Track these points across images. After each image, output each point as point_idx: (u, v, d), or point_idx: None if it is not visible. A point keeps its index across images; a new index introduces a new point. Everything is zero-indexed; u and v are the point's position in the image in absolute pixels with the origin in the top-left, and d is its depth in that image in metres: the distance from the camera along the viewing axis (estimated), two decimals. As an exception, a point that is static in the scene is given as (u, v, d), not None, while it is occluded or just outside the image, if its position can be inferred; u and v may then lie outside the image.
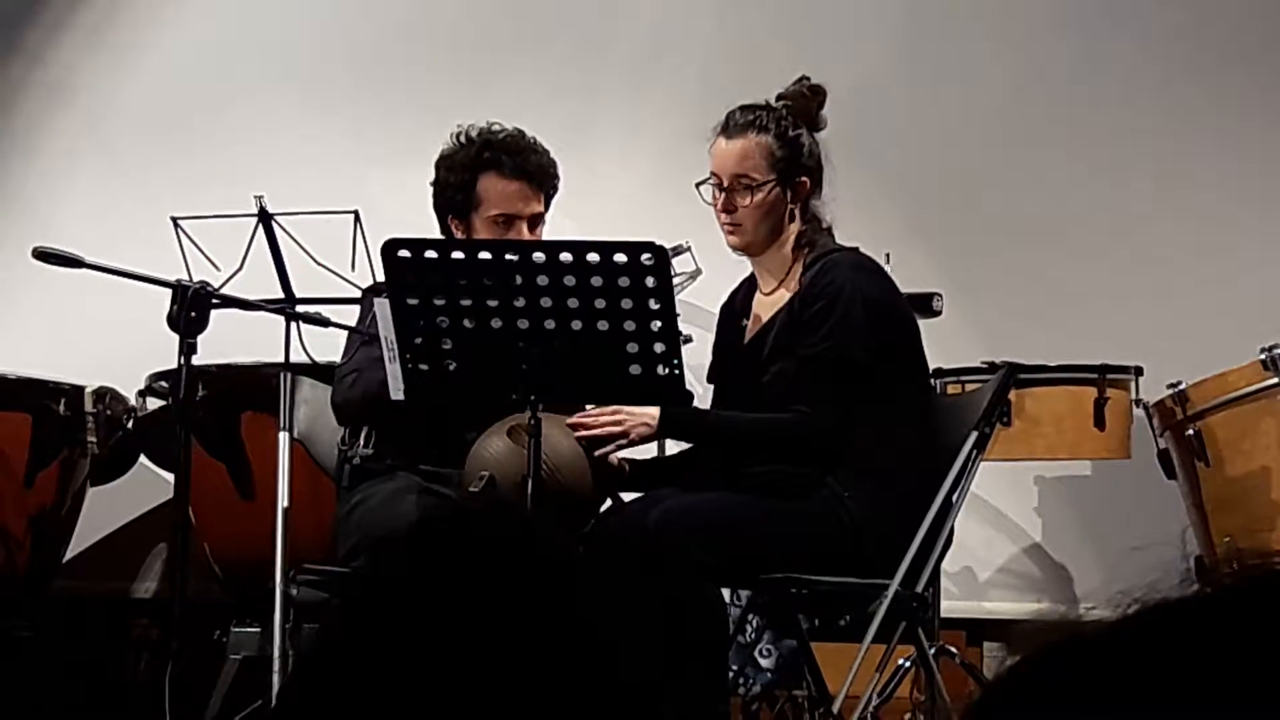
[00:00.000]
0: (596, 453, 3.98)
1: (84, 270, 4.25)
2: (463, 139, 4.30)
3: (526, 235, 4.24)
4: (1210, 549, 4.62)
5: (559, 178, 4.32)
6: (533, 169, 4.27)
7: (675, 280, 4.00)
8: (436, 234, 4.31)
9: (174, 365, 4.22)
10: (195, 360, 4.19)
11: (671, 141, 5.52)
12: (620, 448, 4.04)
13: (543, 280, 3.63)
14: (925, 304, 4.82)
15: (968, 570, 5.54)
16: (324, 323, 4.29)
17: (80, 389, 5.18)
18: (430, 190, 4.33)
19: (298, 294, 4.64)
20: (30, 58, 6.15)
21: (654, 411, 4.00)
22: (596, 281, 3.62)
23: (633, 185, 5.71)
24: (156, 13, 6.12)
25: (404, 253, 3.67)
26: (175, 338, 4.16)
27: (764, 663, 4.85)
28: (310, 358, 4.26)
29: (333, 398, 4.26)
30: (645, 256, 3.61)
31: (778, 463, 4.01)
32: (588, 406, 4.13)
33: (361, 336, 4.18)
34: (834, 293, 4.00)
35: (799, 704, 4.79)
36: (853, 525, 3.95)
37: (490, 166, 4.25)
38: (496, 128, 4.31)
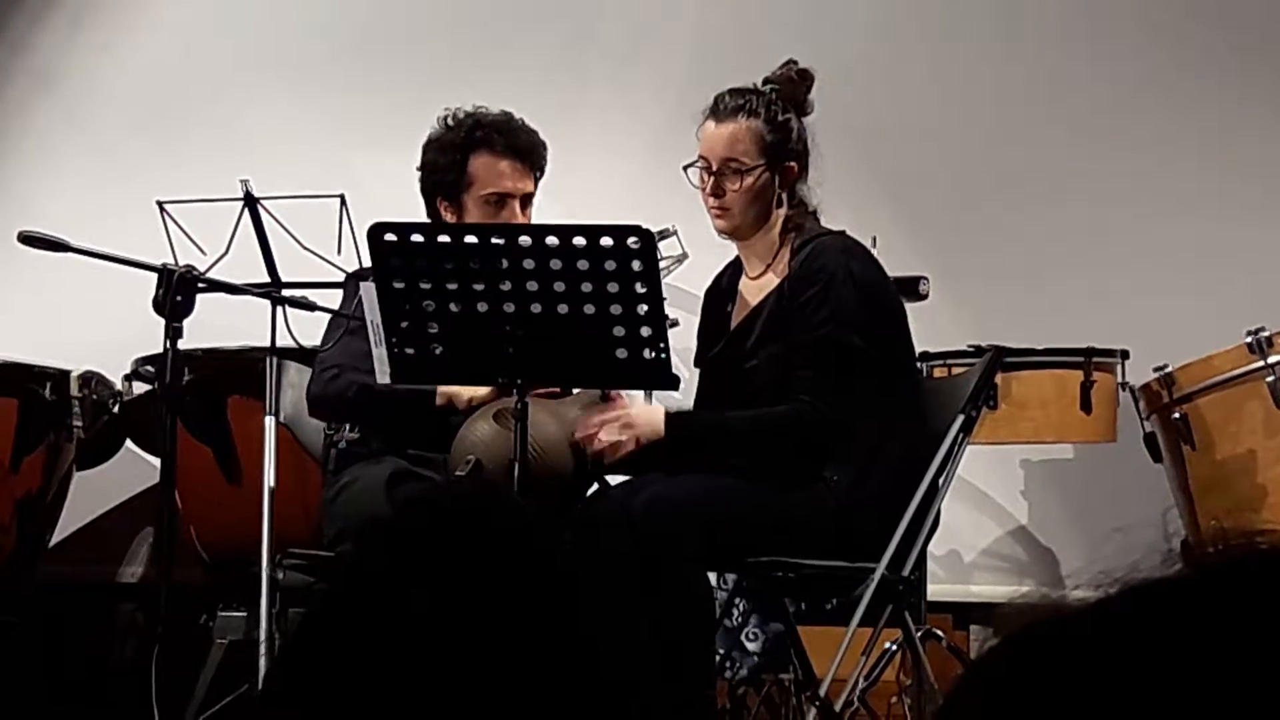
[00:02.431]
0: (606, 460, 3.96)
1: (69, 254, 4.24)
2: (450, 121, 4.31)
3: (519, 214, 4.24)
4: (1196, 532, 4.63)
5: (547, 158, 4.32)
6: (524, 147, 4.27)
7: (662, 264, 4.00)
8: (423, 218, 4.30)
9: (160, 350, 4.22)
10: (181, 345, 4.19)
11: (658, 126, 5.52)
12: (629, 454, 4.01)
13: (529, 264, 3.63)
14: (912, 288, 4.82)
15: (954, 553, 5.55)
16: (310, 307, 4.28)
17: (66, 373, 5.17)
18: (417, 175, 4.33)
19: (283, 278, 4.63)
20: (15, 43, 6.14)
21: (659, 418, 3.99)
22: (583, 265, 3.62)
23: (619, 169, 5.70)
24: (141, -4, 6.11)
25: (390, 236, 3.67)
26: (161, 322, 4.15)
27: (751, 646, 4.85)
28: (296, 342, 4.25)
29: (309, 389, 4.25)
30: (632, 240, 3.61)
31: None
32: (574, 390, 4.13)
33: (344, 325, 4.18)
34: (826, 278, 4.00)
35: (786, 688, 4.79)
36: (839, 509, 3.95)
37: (482, 145, 4.25)
38: (484, 110, 4.32)
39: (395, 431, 4.22)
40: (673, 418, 4.02)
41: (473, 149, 4.25)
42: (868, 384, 3.98)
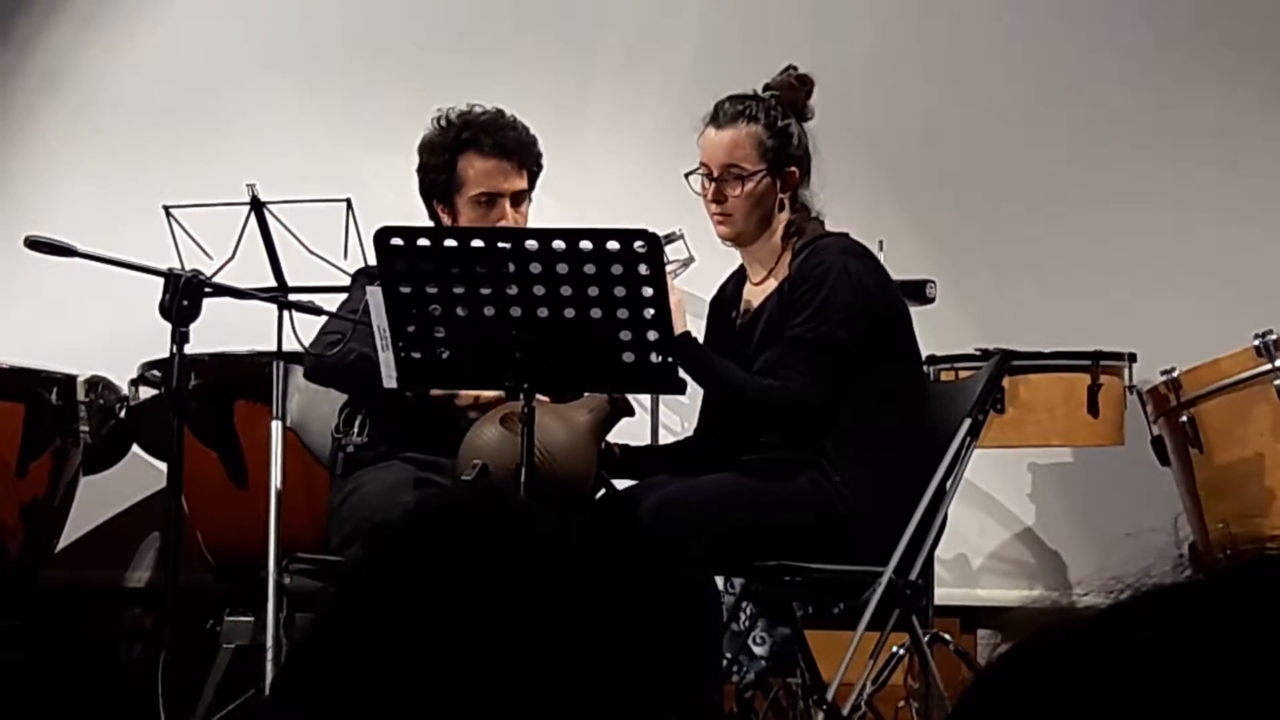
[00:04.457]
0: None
1: (76, 259, 4.24)
2: (443, 122, 4.32)
3: (510, 213, 4.24)
4: (1204, 535, 4.62)
5: (541, 154, 4.32)
6: (511, 145, 4.27)
7: (668, 268, 4.00)
8: (427, 221, 4.31)
9: (166, 354, 4.21)
10: (188, 349, 4.18)
11: (664, 129, 5.52)
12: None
13: (535, 268, 3.63)
14: (919, 291, 4.82)
15: (962, 557, 5.54)
16: (316, 311, 4.28)
17: (73, 378, 5.17)
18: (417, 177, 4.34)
19: (290, 282, 4.63)
20: (22, 45, 6.14)
21: (684, 325, 3.94)
22: (589, 269, 3.62)
23: (626, 173, 5.70)
24: (149, 0, 6.11)
25: (396, 241, 3.67)
26: (167, 326, 4.15)
27: (758, 650, 4.85)
28: (303, 346, 4.25)
29: (307, 352, 4.23)
30: (638, 244, 3.61)
31: (771, 449, 4.02)
32: (584, 394, 4.12)
33: (347, 317, 4.18)
34: (821, 275, 4.00)
35: (793, 692, 4.79)
36: (847, 512, 3.95)
37: (468, 146, 4.26)
38: (476, 109, 4.32)
39: (403, 425, 4.21)
40: (689, 335, 3.98)
41: (460, 150, 4.27)
42: (865, 383, 3.98)
